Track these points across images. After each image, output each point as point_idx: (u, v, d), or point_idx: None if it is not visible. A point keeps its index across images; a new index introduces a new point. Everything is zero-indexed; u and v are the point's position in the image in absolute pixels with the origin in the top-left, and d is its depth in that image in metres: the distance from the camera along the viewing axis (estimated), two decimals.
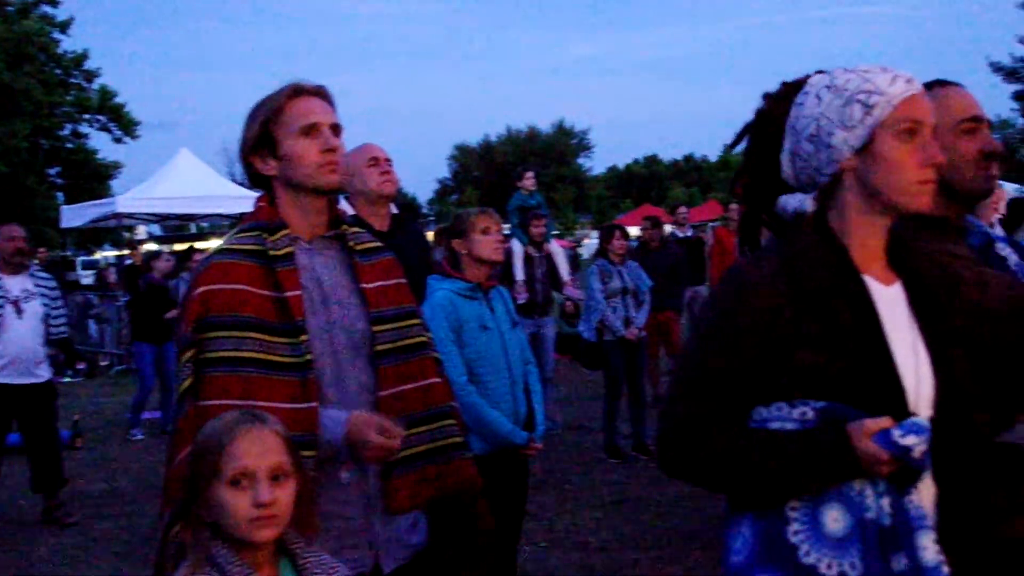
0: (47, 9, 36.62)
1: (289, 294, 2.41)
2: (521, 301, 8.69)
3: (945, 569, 1.80)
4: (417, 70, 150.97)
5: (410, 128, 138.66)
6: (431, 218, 57.83)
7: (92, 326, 17.40)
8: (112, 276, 20.11)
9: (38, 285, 7.19)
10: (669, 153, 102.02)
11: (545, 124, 78.67)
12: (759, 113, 2.08)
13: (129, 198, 18.54)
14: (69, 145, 37.80)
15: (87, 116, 38.11)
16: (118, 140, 38.47)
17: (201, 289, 2.40)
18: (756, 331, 1.85)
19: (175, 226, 28.07)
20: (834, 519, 1.81)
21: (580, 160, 78.16)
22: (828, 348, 1.83)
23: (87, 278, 25.63)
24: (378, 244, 2.71)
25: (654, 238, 10.36)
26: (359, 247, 2.62)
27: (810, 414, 1.84)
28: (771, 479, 1.84)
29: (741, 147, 2.15)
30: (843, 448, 1.77)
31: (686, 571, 5.60)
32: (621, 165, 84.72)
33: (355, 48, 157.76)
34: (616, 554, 5.93)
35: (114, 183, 38.22)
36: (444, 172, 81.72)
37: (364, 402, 2.49)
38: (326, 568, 2.09)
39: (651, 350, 9.42)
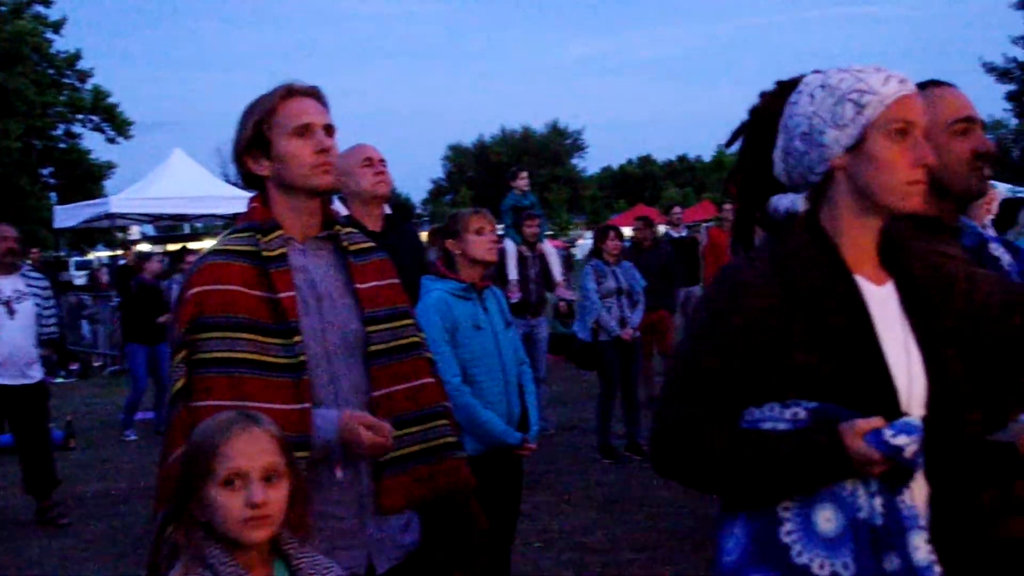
0: (40, 9, 36.55)
1: (282, 295, 2.41)
2: (514, 300, 8.70)
3: (937, 569, 1.80)
4: (411, 71, 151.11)
5: (404, 128, 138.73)
6: (425, 218, 57.83)
7: (85, 326, 17.38)
8: (105, 276, 20.07)
9: (30, 285, 7.18)
10: (663, 153, 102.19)
11: (539, 124, 78.71)
12: (753, 111, 2.08)
13: (122, 198, 18.49)
14: (62, 145, 37.72)
15: (80, 116, 38.03)
16: (111, 140, 38.41)
17: (194, 290, 2.40)
18: (748, 332, 1.86)
19: (168, 226, 28.04)
20: (826, 519, 1.81)
21: (574, 160, 78.23)
22: (820, 348, 1.83)
23: (80, 278, 25.58)
24: (371, 244, 2.71)
25: (646, 238, 10.37)
26: (352, 247, 2.62)
27: (802, 414, 1.84)
28: (763, 480, 1.84)
29: (736, 147, 2.15)
30: (835, 448, 1.77)
31: (680, 571, 5.60)
32: (615, 165, 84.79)
33: (350, 49, 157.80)
34: (610, 554, 5.93)
35: (107, 183, 38.17)
36: (438, 172, 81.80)
37: (357, 402, 2.49)
38: (320, 569, 2.09)
39: (645, 350, 9.44)
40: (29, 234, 26.58)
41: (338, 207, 4.15)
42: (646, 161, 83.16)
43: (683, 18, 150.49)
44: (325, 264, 2.57)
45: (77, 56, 37.54)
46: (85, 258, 34.68)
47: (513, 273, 9.12)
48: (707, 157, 75.50)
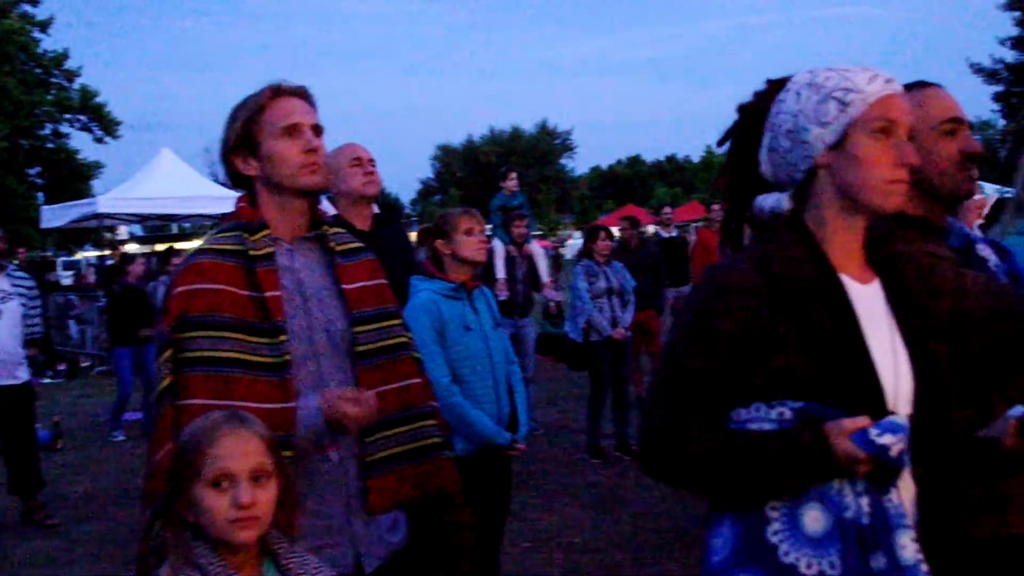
0: (27, 8, 36.42)
1: (269, 294, 2.41)
2: (502, 298, 8.70)
3: (924, 568, 1.81)
4: (400, 70, 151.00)
5: (393, 128, 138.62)
6: (414, 218, 57.77)
7: (73, 327, 17.32)
8: (91, 277, 20.01)
9: (15, 285, 7.16)
10: (652, 154, 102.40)
11: (528, 124, 78.64)
12: (742, 109, 2.09)
13: (110, 198, 18.43)
14: (50, 145, 37.57)
15: (68, 116, 37.90)
16: (99, 140, 38.28)
17: (180, 289, 2.39)
18: (734, 333, 1.86)
19: (156, 226, 27.98)
20: (814, 519, 1.82)
21: (563, 160, 78.20)
22: (806, 348, 1.84)
23: (68, 279, 25.48)
24: (359, 244, 2.71)
25: (632, 238, 10.39)
26: (340, 247, 2.62)
27: (788, 414, 1.84)
28: (750, 480, 1.84)
29: (726, 147, 2.16)
30: (821, 448, 1.77)
31: (668, 571, 5.61)
32: (604, 165, 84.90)
33: (339, 48, 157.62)
34: (599, 554, 5.93)
35: (95, 183, 38.04)
36: (427, 172, 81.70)
37: None
38: (309, 569, 2.08)
39: (634, 350, 9.45)
40: (16, 234, 26.49)
41: (326, 207, 4.14)
42: (635, 161, 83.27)
43: (673, 19, 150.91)
44: (312, 264, 2.57)
45: (64, 55, 37.40)
46: (72, 258, 34.55)
47: (501, 272, 9.14)
48: (696, 157, 75.61)
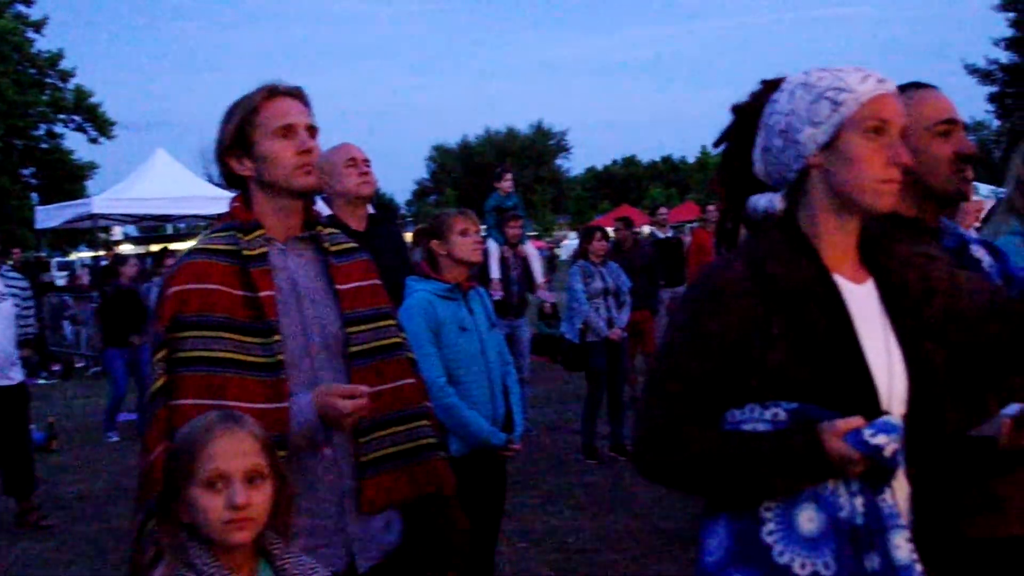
0: (21, 8, 36.33)
1: (262, 294, 2.41)
2: (496, 298, 8.70)
3: (918, 568, 1.81)
4: (395, 71, 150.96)
5: (388, 128, 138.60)
6: (409, 219, 57.76)
7: (67, 327, 17.29)
8: (85, 278, 19.97)
9: (9, 286, 7.14)
10: (647, 154, 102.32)
11: (524, 125, 78.75)
12: (736, 110, 2.09)
13: (105, 199, 18.42)
14: (44, 145, 37.47)
15: (62, 116, 37.79)
16: (93, 140, 38.18)
17: (174, 289, 2.39)
18: (727, 334, 1.86)
19: (151, 227, 27.92)
20: (808, 519, 1.82)
21: (558, 161, 78.28)
22: (800, 348, 1.84)
23: (62, 279, 25.43)
24: (353, 245, 2.71)
25: (626, 239, 10.40)
26: (334, 248, 2.62)
27: (782, 415, 1.84)
28: (745, 481, 1.84)
29: (722, 148, 2.16)
30: (814, 449, 1.77)
31: (663, 571, 5.61)
32: (599, 166, 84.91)
33: (334, 49, 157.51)
34: (594, 554, 5.94)
35: (89, 184, 37.93)
36: (422, 173, 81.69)
37: None
38: (305, 569, 2.08)
39: (629, 351, 9.46)
40: (10, 234, 26.45)
41: (321, 207, 4.14)
42: (630, 162, 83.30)
43: (668, 19, 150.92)
44: (306, 264, 2.57)
45: (59, 56, 37.31)
46: (67, 259, 34.48)
47: (495, 272, 9.15)
48: (691, 158, 75.68)
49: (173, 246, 19.44)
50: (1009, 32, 38.19)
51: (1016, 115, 36.47)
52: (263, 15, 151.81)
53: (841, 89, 1.90)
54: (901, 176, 1.90)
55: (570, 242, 40.33)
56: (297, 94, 2.57)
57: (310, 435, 2.39)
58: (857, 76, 1.91)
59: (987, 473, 2.31)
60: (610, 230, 10.18)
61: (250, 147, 2.50)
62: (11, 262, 14.57)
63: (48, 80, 37.39)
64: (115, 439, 10.17)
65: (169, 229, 28.14)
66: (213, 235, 2.51)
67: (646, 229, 13.60)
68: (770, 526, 1.83)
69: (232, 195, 2.61)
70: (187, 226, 25.57)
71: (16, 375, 7.10)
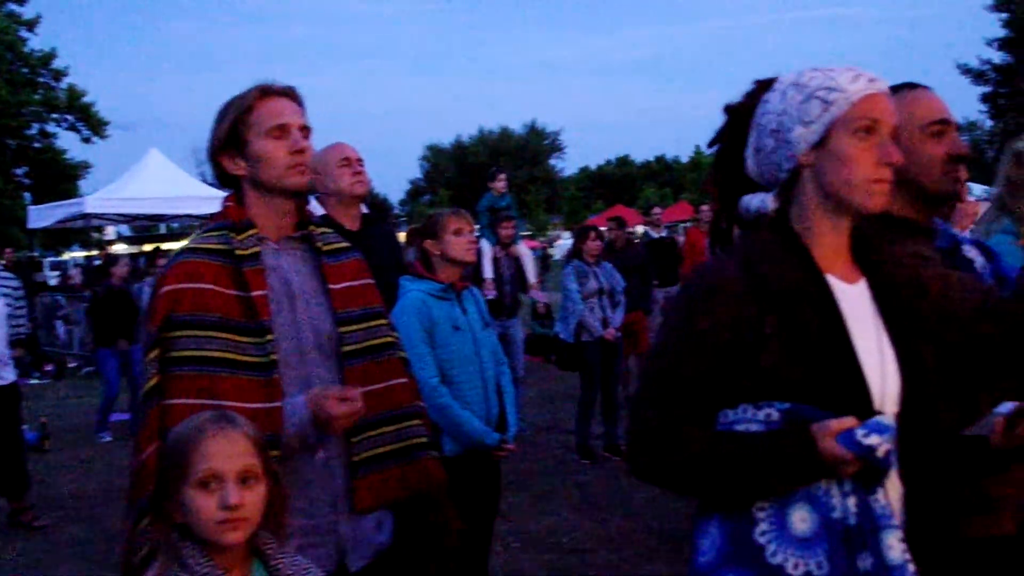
0: (13, 7, 36.23)
1: (255, 294, 2.41)
2: (489, 297, 8.70)
3: (911, 568, 1.81)
4: (389, 71, 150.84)
5: (382, 128, 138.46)
6: (403, 219, 57.75)
7: (60, 327, 17.25)
8: (77, 277, 19.93)
9: (1, 285, 7.13)
10: (641, 154, 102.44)
11: (517, 125, 78.78)
12: (730, 110, 2.09)
13: (98, 198, 18.37)
14: (37, 145, 37.37)
15: (55, 115, 37.70)
16: (86, 140, 38.09)
17: (167, 288, 2.39)
18: (720, 335, 1.86)
19: (145, 227, 27.87)
20: (801, 519, 1.82)
21: (552, 161, 78.32)
22: (792, 348, 1.84)
23: (55, 279, 25.39)
24: (346, 245, 2.71)
25: (619, 239, 10.41)
26: (326, 248, 2.62)
27: (775, 415, 1.84)
28: (738, 482, 1.84)
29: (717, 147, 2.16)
30: (807, 449, 1.77)
31: (657, 571, 5.61)
32: (593, 166, 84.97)
33: (328, 49, 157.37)
34: (588, 555, 5.94)
35: (82, 183, 37.87)
36: (416, 173, 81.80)
37: None
38: (299, 569, 2.08)
39: (624, 351, 9.46)
40: (3, 234, 26.37)
41: (315, 207, 4.14)
42: (624, 162, 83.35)
43: (662, 19, 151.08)
44: (299, 264, 2.57)
45: (52, 55, 37.21)
46: (60, 259, 34.40)
47: (488, 273, 9.14)
48: (685, 158, 75.77)
49: (166, 246, 19.41)
50: (1002, 32, 38.30)
51: (1009, 115, 36.54)
52: (257, 15, 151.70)
53: (832, 89, 1.90)
54: (892, 176, 1.90)
55: (564, 242, 40.35)
56: (290, 94, 2.57)
57: (303, 436, 2.38)
58: (848, 76, 1.90)
59: (980, 472, 2.32)
60: (603, 229, 10.17)
61: (243, 147, 2.50)
62: (3, 262, 14.53)
63: (41, 79, 37.29)
64: (108, 439, 10.15)
65: (163, 229, 28.10)
66: (206, 234, 2.51)
67: (640, 229, 13.58)
68: (763, 526, 1.84)
69: (225, 194, 2.61)
70: (180, 226, 25.54)
71: (8, 375, 7.09)
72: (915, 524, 1.96)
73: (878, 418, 1.78)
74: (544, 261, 33.79)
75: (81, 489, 8.18)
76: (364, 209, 4.55)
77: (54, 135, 38.12)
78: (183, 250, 2.51)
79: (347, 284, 2.61)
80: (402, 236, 11.38)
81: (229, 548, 1.97)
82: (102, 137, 38.26)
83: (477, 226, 7.43)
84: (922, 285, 2.17)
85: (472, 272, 8.62)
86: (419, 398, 2.74)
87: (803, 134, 1.91)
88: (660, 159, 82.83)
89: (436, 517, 2.68)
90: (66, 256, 35.18)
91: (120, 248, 24.77)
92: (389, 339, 2.67)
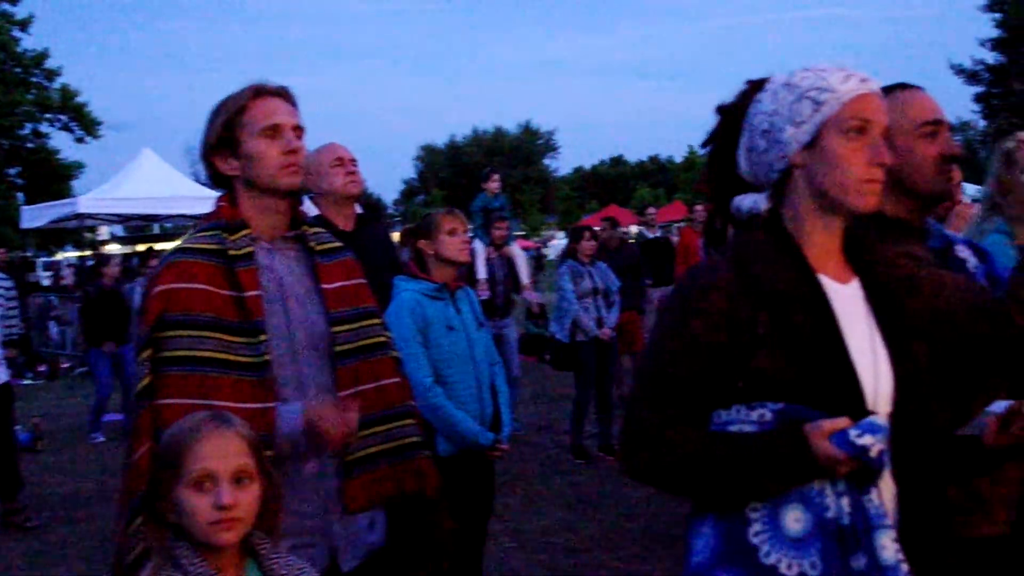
0: (6, 7, 36.12)
1: (248, 294, 2.41)
2: (483, 297, 8.70)
3: (904, 568, 1.81)
4: (383, 70, 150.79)
5: (376, 128, 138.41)
6: (397, 219, 57.70)
7: (53, 328, 17.22)
8: (69, 278, 19.88)
9: None
10: (635, 154, 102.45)
11: (511, 125, 78.71)
12: (722, 110, 2.08)
13: (91, 198, 18.33)
14: (30, 145, 37.25)
15: (48, 115, 37.59)
16: (80, 140, 37.97)
17: (160, 288, 2.39)
18: (713, 336, 1.85)
19: (138, 227, 27.81)
20: (795, 519, 1.81)
21: (546, 161, 78.27)
22: (785, 349, 1.83)
23: (48, 279, 25.33)
24: (338, 244, 2.71)
25: (612, 238, 10.41)
26: (319, 248, 2.62)
27: (768, 416, 1.84)
28: (732, 483, 1.84)
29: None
30: (800, 450, 1.77)
31: (651, 571, 5.62)
32: (587, 166, 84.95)
33: (321, 48, 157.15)
34: (582, 555, 5.94)
35: (76, 183, 37.73)
36: (410, 173, 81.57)
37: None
38: (292, 570, 2.08)
39: (619, 350, 9.47)
40: None
41: (309, 207, 4.13)
42: (618, 161, 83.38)
43: (656, 19, 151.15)
44: (292, 264, 2.57)
45: (45, 55, 37.09)
46: (53, 259, 34.31)
47: (482, 273, 9.15)
48: (679, 158, 75.77)
49: (160, 246, 19.37)
50: (995, 32, 38.37)
51: (1002, 115, 36.61)
52: (251, 15, 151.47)
53: (823, 89, 1.89)
54: (883, 176, 1.90)
55: (558, 242, 40.37)
56: (283, 94, 2.57)
57: (295, 444, 2.39)
58: (839, 76, 1.90)
59: (973, 472, 2.32)
60: (597, 229, 10.18)
61: (236, 147, 2.50)
62: None
63: (34, 79, 37.18)
64: (101, 440, 10.13)
65: (156, 229, 28.04)
66: (199, 234, 2.51)
67: (634, 229, 13.61)
68: (757, 527, 1.83)
69: (218, 194, 2.61)
70: (174, 226, 25.47)
71: (1, 375, 7.08)
72: (908, 524, 1.96)
73: (871, 418, 1.78)
74: (538, 261, 33.80)
75: (74, 490, 8.17)
76: (358, 209, 4.55)
77: (47, 135, 38.02)
78: (176, 250, 2.51)
79: (340, 284, 2.61)
80: (396, 236, 11.37)
81: (223, 548, 1.97)
82: (95, 137, 38.17)
83: (471, 226, 7.43)
84: (915, 285, 2.17)
85: (466, 273, 8.61)
86: (412, 397, 2.74)
87: (794, 134, 1.91)
88: (654, 159, 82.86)
89: (428, 517, 2.68)
90: (59, 256, 35.08)
91: (114, 248, 24.70)
92: (382, 339, 2.67)
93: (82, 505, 7.63)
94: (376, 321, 2.68)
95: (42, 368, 16.03)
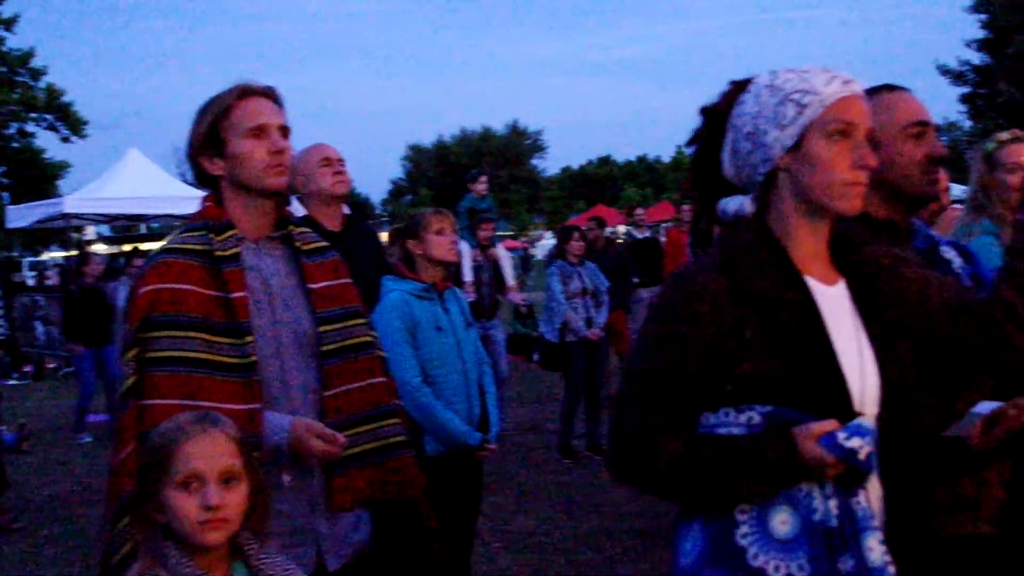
0: None
1: (235, 295, 2.40)
2: (470, 300, 8.70)
3: (891, 569, 1.82)
4: (370, 70, 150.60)
5: (363, 128, 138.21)
6: (385, 219, 57.59)
7: (39, 328, 17.15)
8: (53, 278, 19.80)
9: None
10: (623, 154, 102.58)
11: (499, 125, 78.66)
12: (706, 111, 2.08)
13: (77, 198, 18.25)
14: (15, 144, 37.05)
15: (34, 115, 37.39)
16: (66, 139, 37.78)
17: (145, 288, 2.38)
18: (699, 338, 1.85)
19: (124, 227, 27.70)
20: (782, 521, 1.81)
21: (534, 161, 78.28)
22: (772, 351, 1.83)
23: (34, 279, 25.23)
24: (324, 244, 2.70)
25: (598, 238, 10.42)
26: (305, 247, 2.62)
27: (756, 419, 1.84)
28: (720, 486, 1.83)
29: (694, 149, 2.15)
30: (789, 452, 1.77)
31: (639, 571, 5.62)
32: (575, 166, 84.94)
33: (308, 48, 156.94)
34: (570, 554, 5.94)
35: (62, 183, 37.54)
36: (398, 172, 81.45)
37: (309, 402, 2.50)
38: (280, 570, 2.08)
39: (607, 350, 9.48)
40: None
41: (297, 208, 4.13)
42: (606, 162, 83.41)
43: (643, 20, 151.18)
44: (278, 264, 2.57)
45: (30, 54, 36.91)
46: (38, 259, 34.15)
47: (468, 275, 9.14)
48: (666, 158, 75.86)
49: (146, 246, 19.30)
50: (981, 33, 38.52)
51: (988, 116, 36.76)
52: (238, 14, 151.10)
53: (806, 91, 1.89)
54: (867, 179, 1.90)
55: (546, 242, 40.38)
56: (270, 94, 2.57)
57: (275, 457, 2.39)
58: (823, 78, 1.90)
59: (958, 473, 2.33)
60: (585, 229, 10.19)
61: (222, 147, 2.50)
62: None
63: (19, 79, 36.99)
64: (87, 440, 10.09)
65: (143, 229, 27.92)
66: (185, 235, 2.50)
67: (622, 229, 13.62)
68: (744, 529, 1.83)
69: (204, 194, 2.60)
70: (161, 226, 25.38)
71: None
72: (895, 525, 1.96)
73: (859, 420, 1.78)
74: (526, 261, 33.79)
75: (60, 490, 8.14)
76: (346, 209, 4.54)
77: (33, 135, 37.82)
78: (162, 250, 2.50)
79: (326, 284, 2.61)
80: (384, 236, 11.34)
81: (210, 548, 1.97)
82: (81, 137, 37.98)
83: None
84: (901, 286, 2.18)
85: (452, 274, 8.60)
86: (397, 397, 2.74)
87: (778, 137, 1.90)
88: (642, 159, 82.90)
89: (414, 516, 2.68)
90: (45, 256, 34.93)
91: (100, 248, 24.59)
92: (367, 338, 2.66)
93: (68, 506, 7.59)
94: (362, 321, 2.67)
95: (27, 369, 15.96)
